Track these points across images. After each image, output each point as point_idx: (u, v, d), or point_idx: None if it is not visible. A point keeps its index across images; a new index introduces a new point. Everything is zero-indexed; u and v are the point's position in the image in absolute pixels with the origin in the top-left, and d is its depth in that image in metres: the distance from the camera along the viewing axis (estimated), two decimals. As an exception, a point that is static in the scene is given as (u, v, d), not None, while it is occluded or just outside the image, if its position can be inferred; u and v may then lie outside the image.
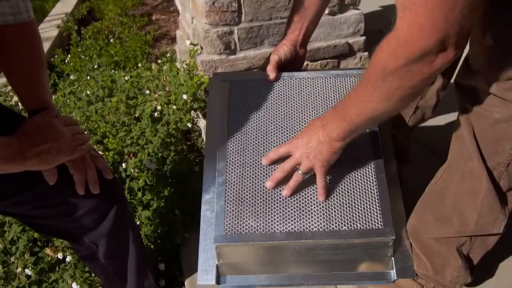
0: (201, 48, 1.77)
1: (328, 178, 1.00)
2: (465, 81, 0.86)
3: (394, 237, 0.95)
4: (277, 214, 0.98)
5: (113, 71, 2.39)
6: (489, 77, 0.80)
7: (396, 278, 1.01)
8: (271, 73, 1.13)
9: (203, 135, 1.85)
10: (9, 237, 1.39)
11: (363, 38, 1.93)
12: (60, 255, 1.34)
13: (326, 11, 1.74)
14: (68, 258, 1.33)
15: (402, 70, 0.69)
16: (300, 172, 0.95)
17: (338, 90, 1.13)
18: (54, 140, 0.79)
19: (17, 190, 0.87)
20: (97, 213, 0.93)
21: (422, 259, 0.99)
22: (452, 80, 1.22)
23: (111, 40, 2.89)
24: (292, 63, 1.16)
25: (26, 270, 1.32)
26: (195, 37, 1.86)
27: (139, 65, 2.46)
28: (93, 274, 1.32)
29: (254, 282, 1.06)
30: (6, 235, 1.40)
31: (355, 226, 0.96)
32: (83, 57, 2.71)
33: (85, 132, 0.90)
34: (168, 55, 2.51)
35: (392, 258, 1.01)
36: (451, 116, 1.70)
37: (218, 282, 1.03)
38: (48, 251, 1.37)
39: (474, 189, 0.88)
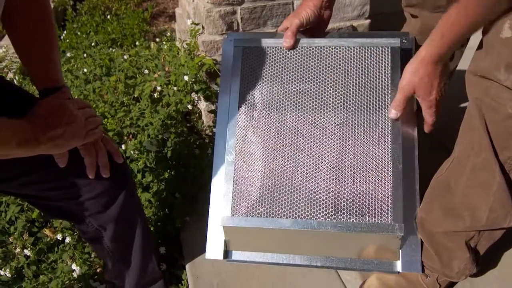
0: (202, 27, 1.73)
1: (341, 164, 0.97)
2: (478, 72, 0.84)
3: (402, 234, 0.92)
4: (285, 199, 0.96)
5: (110, 49, 2.34)
6: (505, 70, 0.79)
7: (401, 271, 1.00)
8: (289, 39, 1.01)
9: (204, 117, 1.82)
10: (7, 217, 1.37)
11: (368, 21, 1.89)
12: (59, 236, 1.33)
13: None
14: (68, 239, 1.32)
15: None
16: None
17: (361, 64, 1.00)
18: (68, 124, 0.77)
19: (26, 171, 0.84)
20: (107, 196, 0.92)
21: (430, 251, 0.99)
22: (458, 69, 1.21)
23: (108, 17, 2.82)
24: (314, 28, 1.04)
25: (25, 251, 1.31)
26: (196, 16, 1.81)
27: (137, 43, 2.41)
28: (92, 255, 1.31)
29: (259, 259, 1.06)
30: (3, 215, 1.38)
31: (364, 219, 0.93)
32: (79, 33, 2.65)
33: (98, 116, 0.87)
34: (168, 34, 2.46)
35: (400, 250, 0.99)
36: (456, 106, 1.69)
37: (225, 256, 1.05)
38: (47, 231, 1.36)
39: (486, 183, 0.87)
